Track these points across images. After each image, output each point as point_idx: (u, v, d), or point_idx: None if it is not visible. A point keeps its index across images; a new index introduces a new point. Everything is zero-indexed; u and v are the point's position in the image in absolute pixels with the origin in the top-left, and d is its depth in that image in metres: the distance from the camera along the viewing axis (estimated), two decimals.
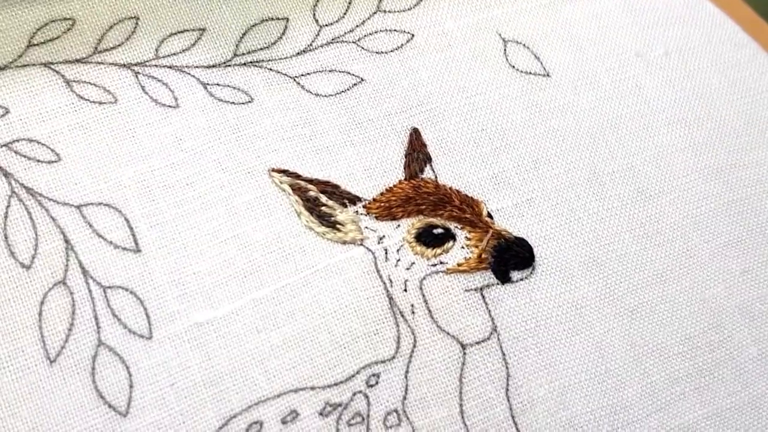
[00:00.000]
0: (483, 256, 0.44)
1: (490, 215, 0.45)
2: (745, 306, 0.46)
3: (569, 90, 0.49)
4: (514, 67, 0.49)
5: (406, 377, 0.42)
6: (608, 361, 0.44)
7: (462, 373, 0.42)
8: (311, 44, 0.47)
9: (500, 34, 0.50)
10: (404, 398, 0.42)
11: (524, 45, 0.50)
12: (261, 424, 0.40)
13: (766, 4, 0.59)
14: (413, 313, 0.43)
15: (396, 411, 0.41)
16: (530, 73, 0.49)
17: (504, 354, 0.43)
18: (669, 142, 0.49)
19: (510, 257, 0.44)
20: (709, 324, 0.46)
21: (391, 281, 0.43)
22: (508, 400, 0.42)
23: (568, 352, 0.43)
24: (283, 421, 0.40)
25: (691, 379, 0.44)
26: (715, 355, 0.45)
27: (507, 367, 0.43)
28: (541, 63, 0.50)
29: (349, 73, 0.47)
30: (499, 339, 0.43)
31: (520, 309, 0.44)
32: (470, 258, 0.44)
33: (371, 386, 0.41)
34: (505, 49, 0.50)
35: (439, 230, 0.44)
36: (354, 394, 0.41)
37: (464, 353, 0.43)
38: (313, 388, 0.41)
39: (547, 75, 0.50)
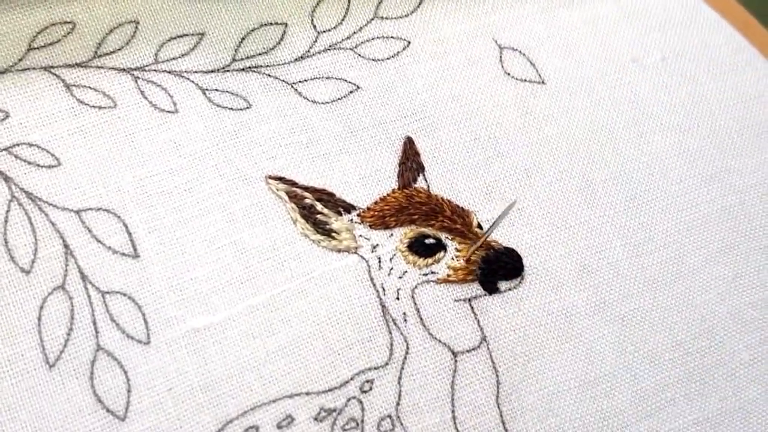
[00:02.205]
0: (471, 268, 0.45)
1: (480, 226, 0.46)
2: (736, 311, 0.47)
3: (564, 97, 0.50)
4: (509, 74, 0.50)
5: (399, 383, 0.43)
6: (598, 368, 0.45)
7: (454, 380, 0.43)
8: (309, 50, 0.48)
9: (496, 41, 0.51)
10: (398, 404, 0.42)
11: (520, 51, 0.51)
12: (257, 429, 0.41)
13: (763, 7, 0.59)
14: (405, 321, 0.44)
15: (390, 416, 0.42)
16: (525, 80, 0.50)
17: (494, 362, 0.44)
18: (663, 149, 0.50)
19: (498, 268, 0.45)
20: (701, 330, 0.47)
21: (384, 289, 0.44)
22: (499, 407, 0.43)
23: (558, 359, 0.44)
24: (279, 426, 0.41)
25: (682, 384, 0.46)
26: (706, 360, 0.46)
27: (497, 375, 0.44)
28: (537, 70, 0.50)
29: (345, 80, 0.48)
30: (488, 348, 0.44)
31: (508, 318, 0.45)
32: (458, 270, 0.45)
33: (365, 392, 0.42)
34: (500, 56, 0.50)
35: (431, 240, 0.45)
36: (348, 399, 0.42)
37: (455, 361, 0.44)
38: (308, 394, 0.42)
39: (542, 82, 0.50)
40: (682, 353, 0.46)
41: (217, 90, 0.46)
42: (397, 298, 0.44)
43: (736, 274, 0.48)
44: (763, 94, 0.53)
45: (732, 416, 0.46)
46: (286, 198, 0.45)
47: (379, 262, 0.45)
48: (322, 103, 0.47)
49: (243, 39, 0.47)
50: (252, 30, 0.47)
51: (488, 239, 0.45)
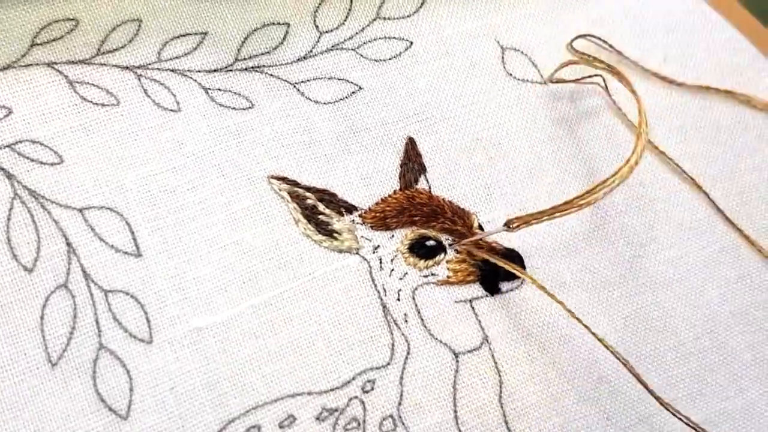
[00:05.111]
0: (471, 269, 0.45)
1: (481, 227, 0.46)
2: (739, 312, 0.48)
3: (566, 98, 0.50)
4: (511, 74, 0.50)
5: (400, 383, 0.43)
6: (601, 368, 0.45)
7: (455, 380, 0.43)
8: (311, 51, 0.48)
9: (498, 42, 0.51)
10: (399, 404, 0.43)
11: (522, 52, 0.51)
12: (259, 429, 0.41)
13: (764, 8, 0.60)
14: (406, 321, 0.44)
15: (391, 416, 0.42)
16: (527, 80, 0.50)
17: (496, 362, 0.44)
18: (665, 150, 0.50)
19: (499, 268, 0.45)
20: (703, 330, 0.47)
21: (385, 290, 0.44)
22: (502, 407, 0.43)
23: (561, 359, 0.45)
24: (281, 426, 0.41)
25: (684, 384, 0.46)
26: (708, 360, 0.47)
27: (500, 375, 0.44)
28: (538, 70, 0.50)
29: (347, 80, 0.48)
30: (490, 348, 0.44)
31: (510, 319, 0.45)
32: (458, 271, 0.45)
33: (367, 392, 0.42)
34: (502, 57, 0.50)
35: (432, 242, 0.45)
36: (350, 399, 0.42)
37: (457, 361, 0.44)
38: (310, 393, 0.42)
39: (544, 82, 0.50)
40: (685, 353, 0.46)
41: (219, 89, 0.46)
42: (398, 299, 0.44)
43: (740, 275, 0.48)
44: (765, 94, 0.53)
45: (735, 417, 0.46)
46: (289, 198, 0.45)
47: (381, 263, 0.45)
48: (325, 103, 0.47)
49: (246, 39, 0.47)
50: (254, 30, 0.47)
51: (490, 240, 0.46)
